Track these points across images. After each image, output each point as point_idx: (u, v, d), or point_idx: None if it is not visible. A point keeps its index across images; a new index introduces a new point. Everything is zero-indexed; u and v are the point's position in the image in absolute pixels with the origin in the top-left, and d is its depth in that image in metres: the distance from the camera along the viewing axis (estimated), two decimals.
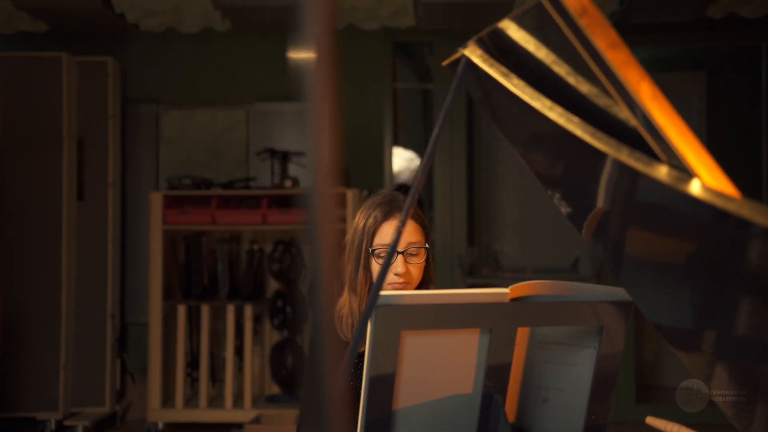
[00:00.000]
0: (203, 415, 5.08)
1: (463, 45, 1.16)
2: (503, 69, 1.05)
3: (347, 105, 5.62)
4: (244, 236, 5.36)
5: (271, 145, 5.43)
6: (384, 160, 5.67)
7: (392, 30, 5.61)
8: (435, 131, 1.10)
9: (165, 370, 5.10)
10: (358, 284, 1.82)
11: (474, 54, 1.10)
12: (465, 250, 5.59)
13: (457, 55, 1.17)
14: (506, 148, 6.87)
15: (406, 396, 1.38)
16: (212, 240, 5.33)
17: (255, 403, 5.13)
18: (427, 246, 1.84)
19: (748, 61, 6.18)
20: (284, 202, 5.11)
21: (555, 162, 1.17)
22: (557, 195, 1.15)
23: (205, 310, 5.10)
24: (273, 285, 5.35)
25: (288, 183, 5.08)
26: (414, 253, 1.83)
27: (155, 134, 5.78)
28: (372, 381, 1.35)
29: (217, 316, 5.32)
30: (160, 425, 5.04)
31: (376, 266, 1.83)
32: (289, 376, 5.27)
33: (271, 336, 5.37)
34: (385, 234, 1.82)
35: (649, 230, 1.02)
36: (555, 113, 1.01)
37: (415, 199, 1.16)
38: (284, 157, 5.33)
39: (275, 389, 5.35)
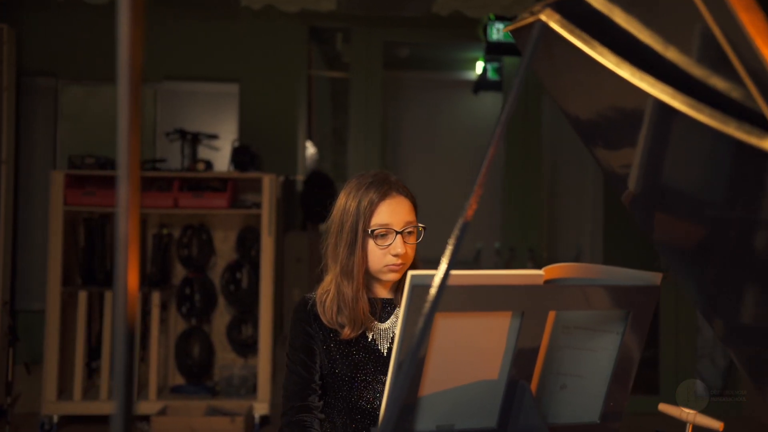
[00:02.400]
0: (103, 407, 4.81)
1: (530, 11, 1.09)
2: (584, 35, 1.00)
3: (261, 89, 5.47)
4: (150, 220, 5.11)
5: (181, 126, 5.21)
6: (298, 146, 5.54)
7: (311, 14, 5.49)
8: (508, 105, 1.03)
9: (62, 361, 4.80)
10: (354, 267, 1.74)
11: (552, 19, 1.04)
12: None
13: (525, 21, 1.11)
14: (422, 130, 6.88)
15: (432, 382, 1.31)
16: (116, 223, 5.05)
17: (160, 394, 4.91)
18: (421, 226, 1.78)
19: None
20: (196, 186, 4.91)
21: (632, 137, 1.12)
22: (632, 174, 1.11)
23: (108, 297, 4.83)
24: (181, 271, 5.13)
25: (201, 166, 4.88)
26: (411, 232, 1.77)
27: (53, 110, 5.44)
28: (401, 366, 1.27)
29: None
30: (55, 418, 4.74)
31: (373, 247, 1.75)
32: (195, 366, 5.08)
33: (176, 324, 5.15)
34: (383, 214, 1.74)
35: (756, 210, 0.99)
36: (646, 83, 0.97)
37: (485, 174, 1.09)
38: (195, 139, 5.13)
39: (180, 379, 5.14)
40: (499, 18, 5.40)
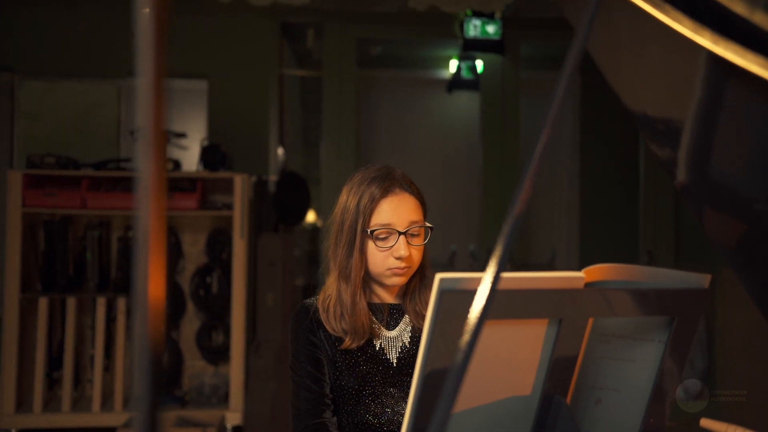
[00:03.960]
0: (66, 419, 4.57)
1: None
2: None
3: (231, 86, 5.28)
4: (115, 222, 4.89)
5: None
6: (269, 145, 5.36)
7: (283, 9, 5.32)
8: (559, 92, 0.88)
9: (20, 371, 4.55)
10: (352, 270, 1.57)
11: None
12: None
13: None
14: (396, 130, 6.74)
15: (461, 400, 1.15)
16: (79, 226, 4.83)
17: (126, 405, 4.68)
18: (429, 225, 1.62)
19: None
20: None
21: (706, 114, 0.98)
22: (686, 161, 0.97)
23: (71, 303, 4.60)
24: None
25: (168, 165, 4.67)
26: (416, 233, 1.60)
27: (10, 107, 5.18)
28: (426, 379, 1.11)
29: (84, 310, 4.82)
30: None
31: (374, 249, 1.58)
32: (163, 375, 4.85)
33: None
34: (385, 212, 1.58)
35: None
36: (732, 52, 0.82)
37: (538, 165, 0.94)
38: None
39: None
40: (476, 14, 5.28)
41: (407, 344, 1.65)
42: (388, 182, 1.59)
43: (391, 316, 1.66)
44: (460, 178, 6.51)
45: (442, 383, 1.12)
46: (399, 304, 1.67)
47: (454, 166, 6.50)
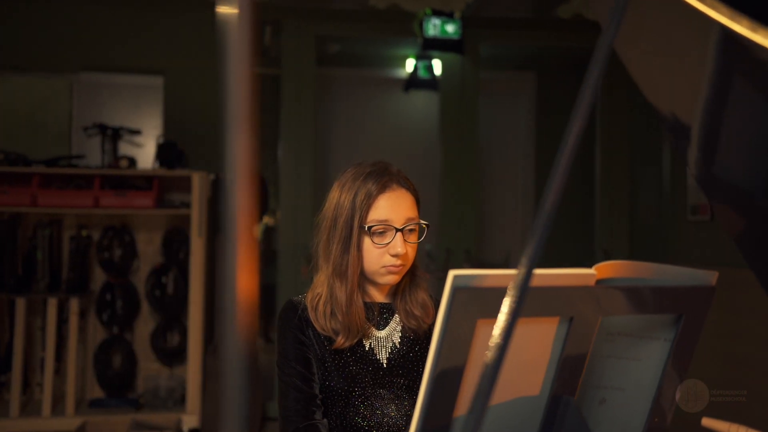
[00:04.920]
0: (14, 425, 4.41)
1: None
2: None
3: (187, 82, 5.17)
4: (66, 221, 4.74)
5: (100, 121, 4.85)
6: (226, 143, 5.25)
7: None
8: (589, 87, 0.85)
9: None
10: (348, 267, 1.53)
11: None
12: (311, 242, 5.30)
13: None
14: (353, 129, 6.69)
15: (467, 401, 1.12)
16: (29, 224, 4.67)
17: (78, 409, 4.55)
18: (425, 223, 1.59)
19: (579, 63, 6.40)
20: (118, 184, 4.58)
21: (713, 108, 0.96)
22: (712, 156, 0.95)
23: (20, 304, 4.44)
24: (101, 276, 4.78)
25: (124, 162, 4.55)
26: (412, 229, 1.57)
27: None
28: (437, 380, 1.08)
29: (34, 311, 4.66)
30: None
31: (370, 246, 1.54)
32: (116, 378, 4.73)
33: (96, 333, 4.79)
34: (382, 209, 1.54)
35: None
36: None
37: (567, 163, 0.91)
38: (116, 135, 4.78)
39: (99, 392, 4.78)
40: (436, 13, 5.27)
41: (397, 344, 1.61)
42: (385, 178, 1.56)
43: (381, 315, 1.62)
44: (418, 178, 6.47)
45: (453, 382, 1.09)
46: (389, 304, 1.64)
47: (412, 166, 6.45)
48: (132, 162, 4.60)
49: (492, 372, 0.88)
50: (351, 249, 1.53)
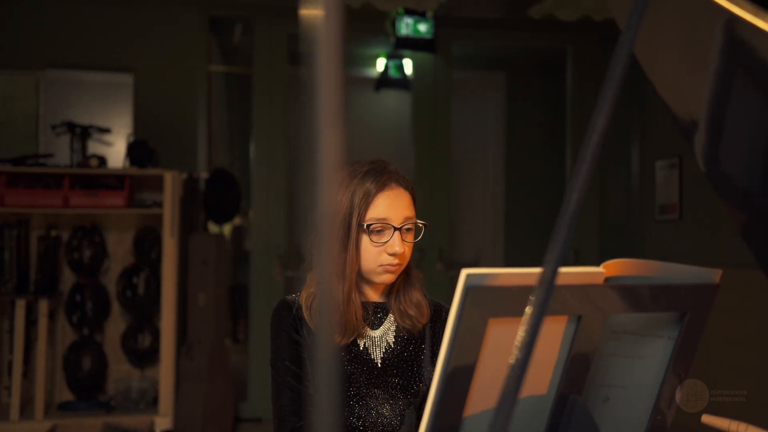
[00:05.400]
0: None
1: None
2: None
3: (157, 80, 5.10)
4: (34, 221, 4.65)
5: (68, 119, 4.77)
6: (198, 142, 5.20)
7: (211, 1, 5.18)
8: (608, 94, 0.85)
9: None
10: (347, 266, 1.52)
11: None
12: (284, 242, 5.28)
13: None
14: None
15: (477, 401, 1.11)
16: None
17: (47, 412, 4.47)
18: (422, 222, 1.58)
19: (550, 63, 6.45)
20: (88, 183, 4.51)
21: (716, 107, 0.97)
22: (716, 154, 0.95)
23: None
24: (70, 277, 4.70)
25: (94, 161, 4.48)
26: (410, 229, 1.56)
27: None
28: (447, 380, 1.07)
29: (1, 313, 4.57)
30: None
31: (368, 244, 1.53)
32: (86, 380, 4.66)
33: (65, 335, 4.71)
34: (381, 207, 1.53)
35: None
36: None
37: (591, 161, 0.91)
38: (85, 133, 4.71)
39: (69, 395, 4.70)
40: (409, 12, 5.27)
41: (391, 344, 1.60)
42: (384, 176, 1.55)
43: (375, 314, 1.61)
44: None
45: (464, 382, 1.09)
46: (383, 303, 1.63)
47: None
48: (102, 161, 4.53)
49: (518, 372, 0.87)
50: (349, 247, 1.52)
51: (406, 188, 1.58)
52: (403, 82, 6.16)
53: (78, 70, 4.97)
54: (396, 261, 1.53)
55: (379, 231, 1.54)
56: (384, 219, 1.53)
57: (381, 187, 1.54)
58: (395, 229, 1.54)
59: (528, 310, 0.87)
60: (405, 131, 6.03)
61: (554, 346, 1.14)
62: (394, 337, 1.61)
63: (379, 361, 1.58)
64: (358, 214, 1.52)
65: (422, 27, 5.30)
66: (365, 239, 1.54)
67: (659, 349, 1.25)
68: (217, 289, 4.51)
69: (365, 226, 1.53)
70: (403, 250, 1.53)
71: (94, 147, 4.85)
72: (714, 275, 1.23)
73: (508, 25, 5.61)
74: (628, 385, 1.27)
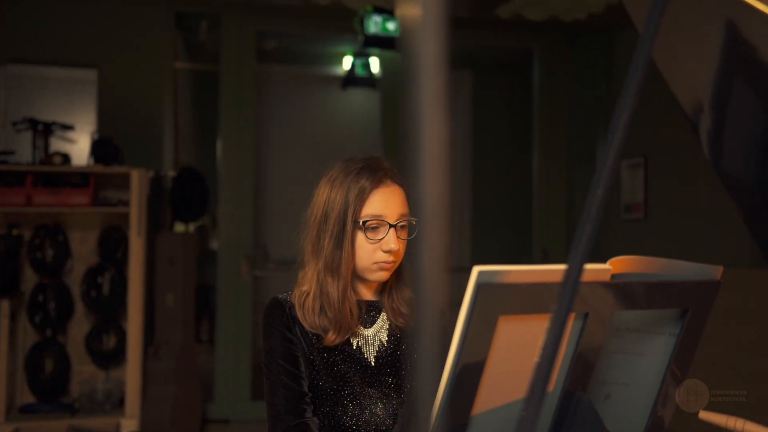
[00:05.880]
0: None
1: None
2: None
3: (122, 76, 5.02)
4: None
5: (30, 115, 4.65)
6: (164, 140, 5.12)
7: None
8: (628, 96, 0.85)
9: None
10: (342, 263, 1.49)
11: None
12: (252, 241, 5.22)
13: None
14: (292, 126, 6.61)
15: (486, 399, 1.10)
16: None
17: (8, 415, 4.36)
18: (414, 220, 1.57)
19: (517, 62, 6.49)
20: (52, 181, 4.40)
21: (745, 112, 0.97)
22: (719, 151, 0.95)
23: None
24: (32, 277, 4.59)
25: (57, 159, 4.38)
26: (404, 226, 1.55)
27: None
28: (457, 379, 1.06)
29: None
30: None
31: (363, 241, 1.51)
32: (49, 382, 4.55)
33: (27, 336, 4.60)
34: (376, 204, 1.51)
35: None
36: None
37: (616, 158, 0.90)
38: (48, 130, 4.60)
39: (31, 397, 4.59)
40: (378, 10, 5.25)
41: (385, 343, 1.59)
42: (380, 173, 1.53)
43: (368, 313, 1.59)
44: None
45: (473, 379, 1.08)
46: (376, 302, 1.61)
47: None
48: (66, 158, 4.44)
49: (545, 369, 0.86)
50: (344, 244, 1.50)
51: (401, 185, 1.57)
52: (369, 81, 6.14)
53: (40, 65, 4.86)
54: (391, 258, 1.52)
55: (374, 228, 1.52)
56: (379, 216, 1.52)
57: (376, 183, 1.52)
58: (390, 226, 1.52)
59: (554, 306, 0.86)
60: (372, 129, 6.01)
61: (561, 343, 1.13)
62: (387, 335, 1.59)
63: (373, 360, 1.57)
64: (354, 211, 1.50)
65: (391, 25, 5.28)
66: (360, 236, 1.52)
67: (660, 346, 1.25)
68: (185, 289, 4.44)
69: (361, 223, 1.51)
70: (398, 248, 1.52)
71: (56, 144, 4.74)
72: (715, 272, 1.23)
73: (476, 24, 5.62)
74: (630, 383, 1.27)
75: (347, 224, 1.50)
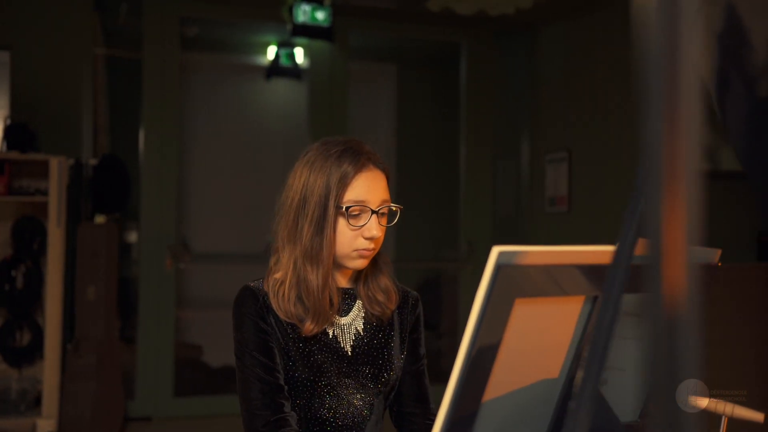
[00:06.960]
0: None
1: None
2: None
3: (38, 58, 4.77)
4: None
5: None
6: (83, 126, 4.89)
7: None
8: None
9: None
10: (323, 249, 1.42)
11: None
12: (174, 234, 5.05)
13: None
14: (215, 116, 6.43)
15: (496, 385, 1.07)
16: None
17: None
18: (397, 206, 1.51)
19: (443, 56, 6.50)
20: None
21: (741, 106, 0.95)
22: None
23: None
24: None
25: None
26: (385, 212, 1.49)
27: None
28: (470, 366, 1.02)
29: None
30: None
31: (344, 228, 1.45)
32: None
33: None
34: (359, 189, 1.45)
35: None
36: None
37: None
38: None
39: None
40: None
41: (360, 332, 1.53)
42: (362, 157, 1.47)
43: (343, 301, 1.53)
44: (283, 167, 6.35)
45: (486, 363, 1.04)
46: (351, 289, 1.55)
47: (276, 155, 6.33)
48: None
49: (599, 356, 0.83)
50: (326, 230, 1.43)
51: (383, 170, 1.51)
52: (294, 71, 6.04)
53: None
54: (371, 245, 1.47)
55: (356, 214, 1.46)
56: (362, 201, 1.46)
57: (359, 168, 1.46)
58: (373, 212, 1.46)
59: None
60: (298, 120, 5.91)
61: (569, 327, 1.11)
62: (363, 324, 1.54)
63: (349, 349, 1.51)
64: (336, 196, 1.44)
65: (320, 15, 5.20)
66: (341, 222, 1.46)
67: None
68: (107, 282, 4.26)
69: (343, 209, 1.45)
70: (380, 234, 1.47)
71: None
72: (713, 255, 1.23)
73: (405, 16, 5.60)
74: (627, 367, 1.26)
75: (329, 209, 1.44)
